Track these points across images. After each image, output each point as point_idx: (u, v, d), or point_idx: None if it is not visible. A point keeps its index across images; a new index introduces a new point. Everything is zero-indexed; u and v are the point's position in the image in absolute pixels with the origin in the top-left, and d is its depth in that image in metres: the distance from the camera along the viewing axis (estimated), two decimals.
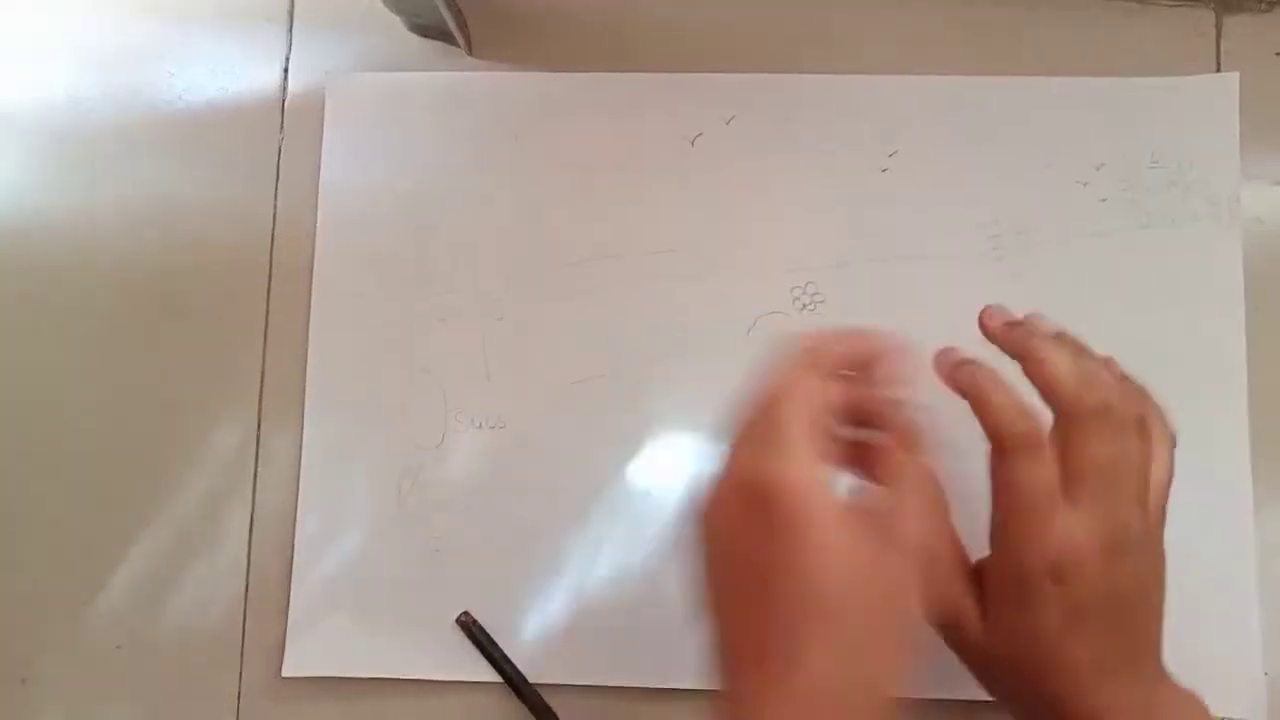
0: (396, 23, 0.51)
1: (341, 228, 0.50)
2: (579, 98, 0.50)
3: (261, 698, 0.48)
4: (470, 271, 0.49)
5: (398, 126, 0.51)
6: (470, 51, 0.52)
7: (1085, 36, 0.50)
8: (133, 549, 0.49)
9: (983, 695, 0.45)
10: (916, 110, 0.49)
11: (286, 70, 0.52)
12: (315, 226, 0.50)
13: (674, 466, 0.47)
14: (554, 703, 0.46)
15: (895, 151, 0.49)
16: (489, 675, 0.46)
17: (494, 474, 0.48)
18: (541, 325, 0.49)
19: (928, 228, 0.48)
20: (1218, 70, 0.49)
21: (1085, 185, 0.48)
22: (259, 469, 0.49)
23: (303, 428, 0.49)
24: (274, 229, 0.51)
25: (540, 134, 0.50)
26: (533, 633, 0.47)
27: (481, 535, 0.47)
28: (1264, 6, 0.50)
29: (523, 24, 0.52)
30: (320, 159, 0.51)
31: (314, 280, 0.50)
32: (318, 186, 0.51)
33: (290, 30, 0.53)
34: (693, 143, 0.49)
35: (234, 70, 0.52)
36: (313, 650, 0.47)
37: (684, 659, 0.45)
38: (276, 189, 0.51)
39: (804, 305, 0.48)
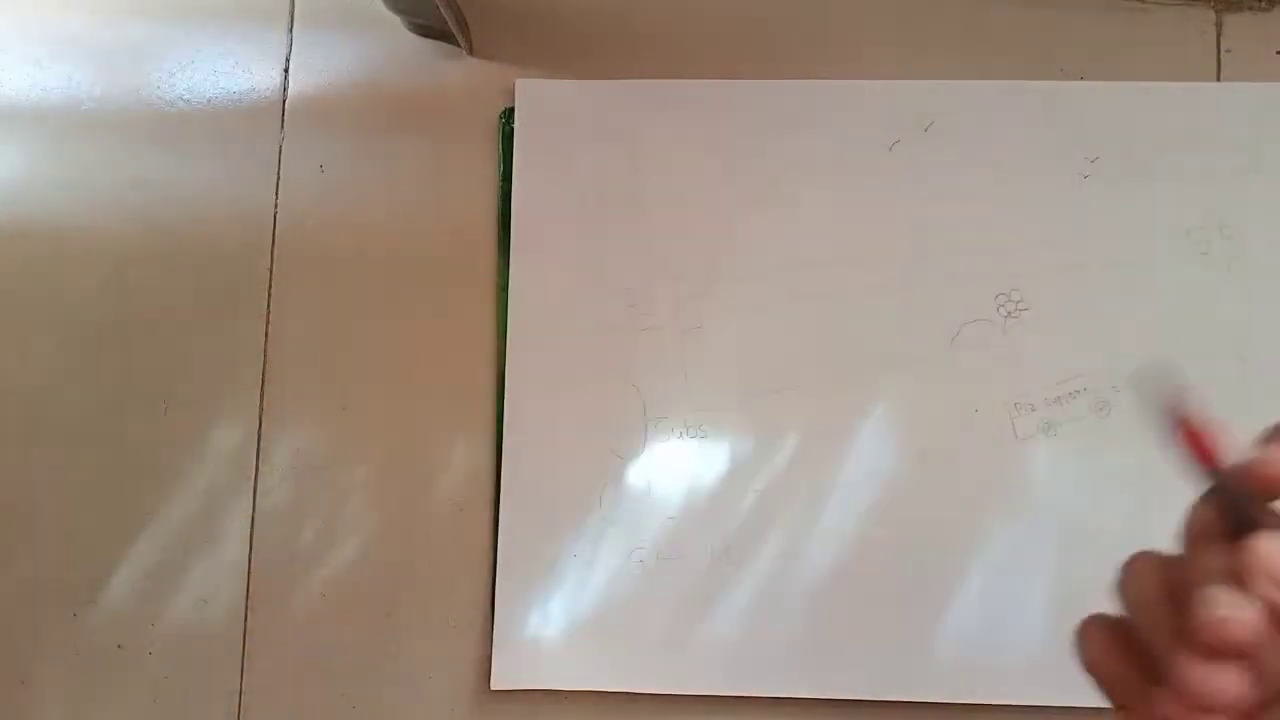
0: (396, 23, 0.51)
1: (533, 235, 0.49)
2: (774, 105, 0.49)
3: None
4: (668, 280, 0.49)
5: (588, 134, 0.50)
6: (470, 51, 0.51)
7: (1084, 36, 0.50)
8: (133, 549, 0.49)
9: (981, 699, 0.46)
10: (1115, 116, 0.48)
11: (286, 70, 0.52)
12: (315, 226, 0.50)
13: (877, 474, 0.47)
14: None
15: (1097, 158, 0.48)
16: (694, 688, 0.46)
17: (695, 481, 0.47)
18: (740, 333, 0.48)
19: (1132, 233, 0.48)
20: (1218, 68, 0.49)
21: None
22: (259, 469, 0.49)
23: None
24: (274, 229, 0.51)
25: (734, 141, 0.49)
26: (744, 641, 0.46)
27: (683, 544, 0.47)
28: (1264, 6, 0.50)
29: (522, 24, 0.52)
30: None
31: (510, 292, 0.48)
32: (318, 185, 0.51)
33: (290, 30, 0.53)
34: (890, 149, 0.49)
35: (234, 70, 0.52)
36: (519, 663, 0.45)
37: (930, 666, 0.45)
38: (277, 189, 0.51)
39: (1008, 313, 0.47)
